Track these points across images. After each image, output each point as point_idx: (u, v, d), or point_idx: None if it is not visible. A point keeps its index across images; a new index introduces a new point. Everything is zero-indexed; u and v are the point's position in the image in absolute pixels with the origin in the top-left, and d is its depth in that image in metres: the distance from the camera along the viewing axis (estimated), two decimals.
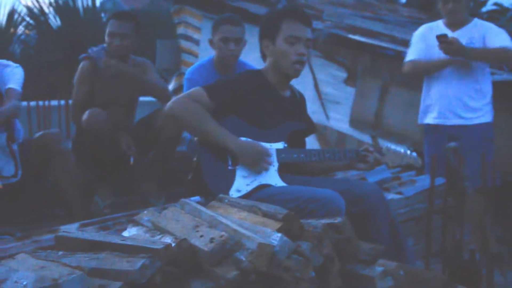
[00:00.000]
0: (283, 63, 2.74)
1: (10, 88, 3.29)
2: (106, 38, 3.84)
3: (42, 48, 10.29)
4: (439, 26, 4.02)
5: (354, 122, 5.53)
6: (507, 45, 3.81)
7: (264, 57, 2.84)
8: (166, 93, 3.92)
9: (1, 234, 2.60)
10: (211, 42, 3.86)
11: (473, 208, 3.18)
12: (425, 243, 3.24)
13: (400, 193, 3.33)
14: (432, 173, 3.36)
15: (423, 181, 3.49)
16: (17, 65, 3.43)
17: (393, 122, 5.22)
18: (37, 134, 3.50)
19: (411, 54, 4.10)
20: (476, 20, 4.00)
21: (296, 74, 2.78)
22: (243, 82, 2.78)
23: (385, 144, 3.00)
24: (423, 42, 4.05)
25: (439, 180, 3.41)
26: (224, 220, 1.93)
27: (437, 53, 3.89)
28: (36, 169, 3.42)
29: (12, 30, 11.44)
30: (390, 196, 3.25)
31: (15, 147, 3.37)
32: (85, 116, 3.64)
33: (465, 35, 3.87)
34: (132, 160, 3.77)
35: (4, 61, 3.42)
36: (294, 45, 2.70)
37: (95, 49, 3.88)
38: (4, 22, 11.16)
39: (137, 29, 3.88)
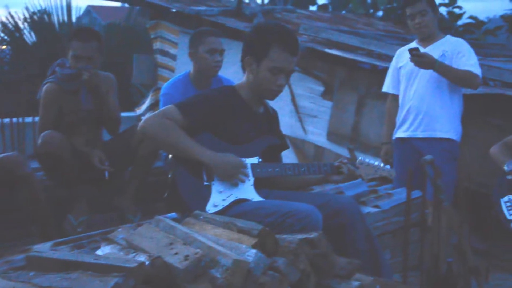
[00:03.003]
0: (261, 88, 2.76)
1: None
2: (71, 61, 3.72)
3: (17, 63, 10.21)
4: (410, 46, 4.07)
5: (332, 135, 5.55)
6: (473, 70, 3.85)
7: (244, 70, 2.83)
8: (114, 123, 3.89)
9: None
10: (192, 54, 3.85)
11: (449, 221, 3.19)
12: (402, 257, 3.24)
13: (377, 206, 3.34)
14: (408, 186, 3.37)
15: (400, 195, 3.50)
16: None
17: (370, 135, 5.25)
18: (1, 155, 3.41)
19: (385, 85, 4.24)
20: (449, 37, 4.05)
21: (272, 99, 2.82)
22: (216, 98, 2.77)
23: (360, 157, 3.00)
24: (394, 71, 4.15)
25: (416, 193, 3.42)
26: (199, 237, 1.92)
27: (405, 72, 3.98)
28: (2, 190, 3.34)
29: None
30: (367, 209, 3.25)
31: None
32: (39, 140, 3.56)
33: (436, 50, 3.91)
34: (107, 175, 3.73)
35: None
36: (276, 76, 2.70)
37: (58, 69, 3.79)
38: None
39: (101, 47, 3.77)
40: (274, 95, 2.79)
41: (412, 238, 3.31)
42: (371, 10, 12.59)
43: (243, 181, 2.65)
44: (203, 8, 6.66)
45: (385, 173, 2.93)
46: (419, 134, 3.99)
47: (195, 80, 3.85)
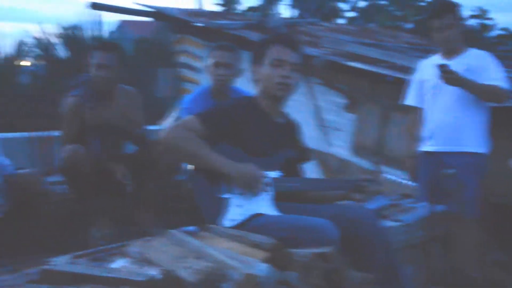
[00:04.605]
0: (268, 85, 2.75)
1: None
2: (92, 70, 3.86)
3: (50, 78, 10.42)
4: (434, 59, 4.02)
5: (356, 148, 5.52)
6: (500, 84, 3.79)
7: (255, 83, 2.85)
8: (136, 140, 3.95)
9: None
10: (205, 68, 3.98)
11: (471, 235, 3.15)
12: (425, 271, 3.20)
13: (399, 220, 3.30)
14: (431, 200, 3.34)
15: (423, 208, 3.46)
16: None
17: (394, 148, 5.20)
18: (18, 171, 3.49)
19: (408, 98, 4.18)
20: (473, 50, 3.98)
21: (281, 94, 2.77)
22: (235, 108, 2.78)
23: (386, 171, 2.96)
24: (417, 83, 4.09)
25: (439, 207, 3.38)
26: (210, 251, 1.93)
27: (430, 85, 3.93)
28: (21, 203, 3.42)
29: (20, 61, 11.61)
30: (389, 223, 3.22)
31: None
32: (62, 154, 3.65)
33: (461, 64, 3.85)
34: (128, 189, 3.76)
35: None
36: (278, 68, 2.72)
37: (75, 82, 3.88)
38: (12, 53, 11.33)
39: (121, 58, 3.93)
40: (282, 89, 2.75)
41: (435, 252, 3.27)
42: (400, 23, 12.54)
43: (262, 192, 2.64)
44: (226, 22, 6.71)
45: (409, 190, 2.90)
46: (445, 148, 3.93)
47: (213, 93, 3.91)
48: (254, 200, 2.63)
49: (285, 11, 12.47)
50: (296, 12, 12.81)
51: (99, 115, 3.87)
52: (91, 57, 3.88)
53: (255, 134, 2.74)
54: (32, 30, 14.90)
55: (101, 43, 4.14)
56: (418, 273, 3.28)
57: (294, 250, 2.05)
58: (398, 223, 3.26)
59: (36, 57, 12.00)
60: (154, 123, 7.16)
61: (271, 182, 2.68)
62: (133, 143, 4.01)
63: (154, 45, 10.45)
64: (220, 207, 2.60)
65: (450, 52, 3.95)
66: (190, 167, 2.83)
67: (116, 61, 3.88)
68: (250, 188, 2.61)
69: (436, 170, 3.86)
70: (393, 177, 2.90)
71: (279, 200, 2.70)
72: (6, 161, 3.51)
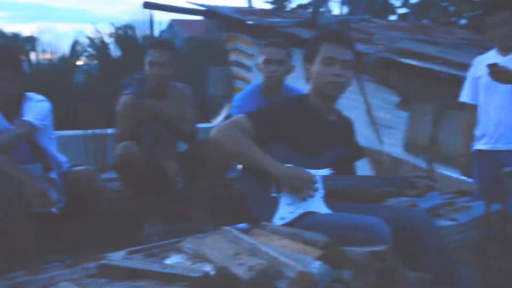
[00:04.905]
0: (319, 84, 2.73)
1: (21, 120, 3.35)
2: (146, 68, 3.92)
3: (104, 77, 10.63)
4: (489, 55, 3.92)
5: (408, 146, 5.44)
6: None
7: (307, 81, 2.84)
8: (187, 137, 4.01)
9: (51, 261, 2.65)
10: (256, 65, 3.98)
11: None
12: (482, 272, 3.13)
13: (454, 219, 3.23)
14: (487, 199, 3.25)
15: (478, 207, 3.38)
16: (42, 99, 3.49)
17: (448, 146, 5.10)
18: (75, 168, 3.57)
19: (463, 95, 4.09)
20: None
21: (333, 93, 2.75)
22: (286, 107, 2.77)
23: (439, 169, 2.91)
24: (472, 80, 4.00)
25: (495, 206, 3.29)
26: (264, 248, 1.92)
27: (484, 82, 3.83)
28: (77, 200, 3.49)
29: (75, 60, 11.89)
30: (443, 222, 3.16)
31: (54, 175, 3.47)
32: (116, 152, 3.72)
33: None
34: (180, 186, 3.80)
35: (31, 94, 3.48)
36: (329, 66, 2.69)
37: (130, 80, 3.94)
38: (67, 53, 11.62)
39: (175, 57, 3.97)
40: (334, 88, 2.72)
41: (492, 253, 3.20)
42: (454, 19, 12.29)
43: (312, 196, 2.62)
44: (277, 20, 6.70)
45: (465, 187, 2.84)
46: (501, 146, 3.84)
47: (264, 91, 3.90)
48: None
49: (335, 8, 12.39)
50: (346, 9, 12.71)
51: (152, 112, 3.92)
52: (146, 55, 3.95)
53: (306, 133, 2.73)
54: (86, 30, 15.24)
55: (156, 41, 4.24)
56: (474, 274, 3.21)
57: (348, 248, 2.03)
58: (452, 222, 3.20)
59: (90, 57, 12.28)
60: (205, 121, 7.25)
61: (321, 181, 2.67)
62: (184, 140, 4.06)
63: (204, 43, 10.54)
64: (270, 205, 2.60)
65: (506, 48, 3.85)
66: (240, 165, 2.84)
67: (170, 59, 3.93)
68: (299, 192, 2.61)
69: (491, 168, 3.76)
70: (448, 173, 2.83)
71: (331, 198, 2.68)
72: (63, 158, 3.60)
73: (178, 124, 3.93)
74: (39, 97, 3.48)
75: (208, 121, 7.36)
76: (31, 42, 13.44)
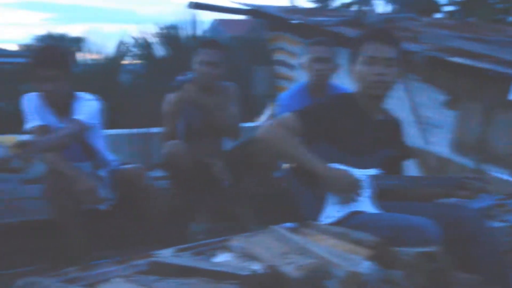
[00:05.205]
0: (362, 84, 2.71)
1: (72, 119, 3.39)
2: (197, 67, 3.96)
3: (150, 76, 10.78)
4: None
5: (457, 146, 5.34)
6: None
7: (353, 80, 2.81)
8: (231, 132, 4.02)
9: (102, 258, 2.70)
10: (302, 64, 3.98)
11: None
12: None
13: (505, 220, 3.17)
14: None
15: None
16: (92, 98, 3.54)
17: (499, 146, 4.99)
18: (123, 167, 3.62)
19: None
20: None
21: (378, 92, 2.71)
22: (333, 106, 2.75)
23: (489, 169, 2.85)
24: None
25: None
26: (313, 247, 1.92)
27: None
28: (126, 197, 3.54)
29: (120, 60, 12.08)
30: (494, 223, 3.10)
31: (104, 173, 3.53)
32: (163, 150, 3.76)
33: None
34: (226, 184, 3.82)
35: (81, 94, 3.53)
36: (371, 66, 2.66)
37: (181, 78, 3.98)
38: (113, 53, 11.81)
39: (226, 57, 4.01)
40: (378, 87, 2.68)
41: None
42: (501, 16, 12.03)
43: (355, 200, 2.60)
44: (322, 18, 6.66)
45: None
46: None
47: (310, 89, 3.90)
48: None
49: (380, 6, 12.28)
50: (391, 7, 12.57)
51: (197, 111, 3.95)
52: (196, 54, 3.99)
53: (353, 132, 2.71)
54: (132, 31, 15.46)
55: (207, 41, 4.29)
56: None
57: (399, 249, 2.01)
58: (504, 224, 3.13)
59: (135, 57, 12.45)
60: (251, 120, 7.27)
61: (370, 181, 2.64)
62: (227, 135, 4.08)
63: (249, 43, 10.58)
64: (317, 204, 2.59)
65: None
66: (287, 164, 2.84)
67: (220, 58, 3.97)
68: (343, 194, 2.59)
69: None
70: (499, 175, 2.77)
71: (380, 198, 2.66)
72: (112, 157, 3.66)
73: (221, 116, 3.94)
74: (89, 96, 3.54)
75: (253, 120, 7.38)
76: (78, 42, 13.71)
